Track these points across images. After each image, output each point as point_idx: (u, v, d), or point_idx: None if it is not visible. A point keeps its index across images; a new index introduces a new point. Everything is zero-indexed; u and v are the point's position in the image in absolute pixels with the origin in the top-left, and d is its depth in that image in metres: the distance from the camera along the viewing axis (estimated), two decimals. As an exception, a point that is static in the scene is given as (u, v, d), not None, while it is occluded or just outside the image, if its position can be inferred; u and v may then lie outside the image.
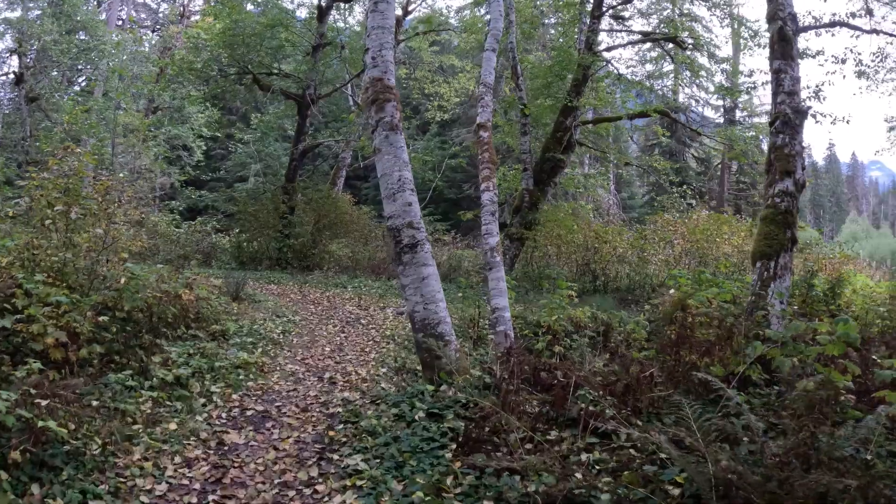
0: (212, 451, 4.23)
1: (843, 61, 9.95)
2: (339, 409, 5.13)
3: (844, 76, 10.72)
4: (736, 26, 16.19)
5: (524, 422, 4.43)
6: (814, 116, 9.39)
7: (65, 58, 21.62)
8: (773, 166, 7.58)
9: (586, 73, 15.12)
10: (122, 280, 5.85)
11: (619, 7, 16.54)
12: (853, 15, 9.48)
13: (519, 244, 14.71)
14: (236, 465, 4.05)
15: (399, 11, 20.88)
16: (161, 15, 31.19)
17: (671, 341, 6.05)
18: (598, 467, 3.82)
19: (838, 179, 71.92)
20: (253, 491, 3.72)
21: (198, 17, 26.51)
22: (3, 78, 25.42)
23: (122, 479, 3.65)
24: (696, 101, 31.17)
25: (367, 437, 4.37)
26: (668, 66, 24.56)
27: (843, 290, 10.80)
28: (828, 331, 4.23)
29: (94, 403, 4.34)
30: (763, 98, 29.15)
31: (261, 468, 4.02)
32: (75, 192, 6.28)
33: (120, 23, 27.14)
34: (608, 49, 17.13)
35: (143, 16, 31.48)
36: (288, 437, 4.53)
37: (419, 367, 6.26)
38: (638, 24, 17.25)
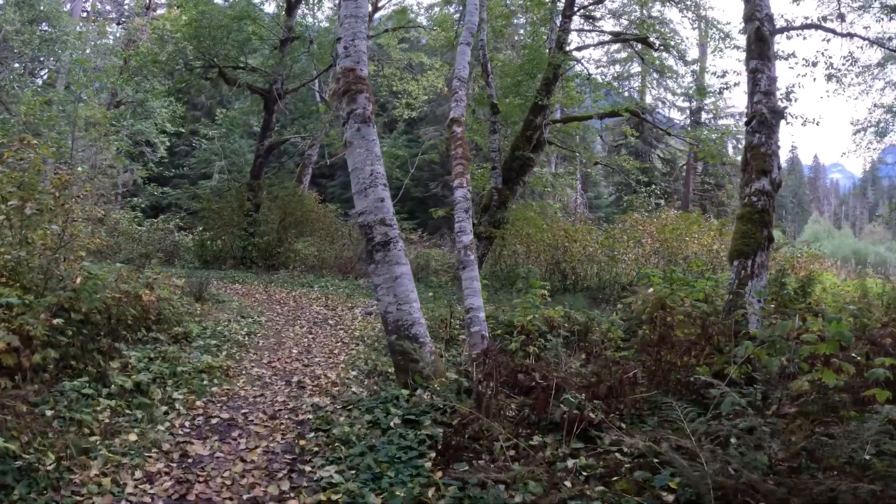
0: (175, 465, 3.93)
1: (815, 64, 10.02)
2: (310, 416, 4.86)
3: (815, 79, 10.83)
4: (706, 28, 16.29)
5: (505, 427, 4.24)
6: (784, 118, 9.44)
7: (27, 49, 20.80)
8: (749, 165, 7.54)
9: (557, 71, 15.10)
10: (79, 280, 5.52)
11: (591, 7, 16.53)
12: (825, 19, 9.55)
13: (487, 243, 14.58)
14: (201, 479, 3.76)
15: (368, 7, 20.56)
16: (126, 7, 30.30)
17: (652, 341, 5.92)
18: (585, 473, 3.65)
19: (801, 181, 73.74)
20: (220, 508, 3.45)
21: (163, 10, 25.82)
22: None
23: (78, 498, 3.36)
24: (663, 102, 31.60)
25: (341, 446, 4.11)
26: (635, 68, 24.81)
27: (813, 289, 10.90)
28: (818, 330, 4.14)
29: (49, 413, 4.05)
30: (729, 100, 29.67)
31: (228, 482, 3.73)
32: (31, 187, 5.99)
33: (85, 14, 26.30)
34: (579, 48, 17.15)
35: (108, 7, 30.57)
36: (256, 448, 4.24)
37: (391, 370, 6.03)
38: (608, 25, 17.27)
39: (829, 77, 11.15)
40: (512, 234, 15.18)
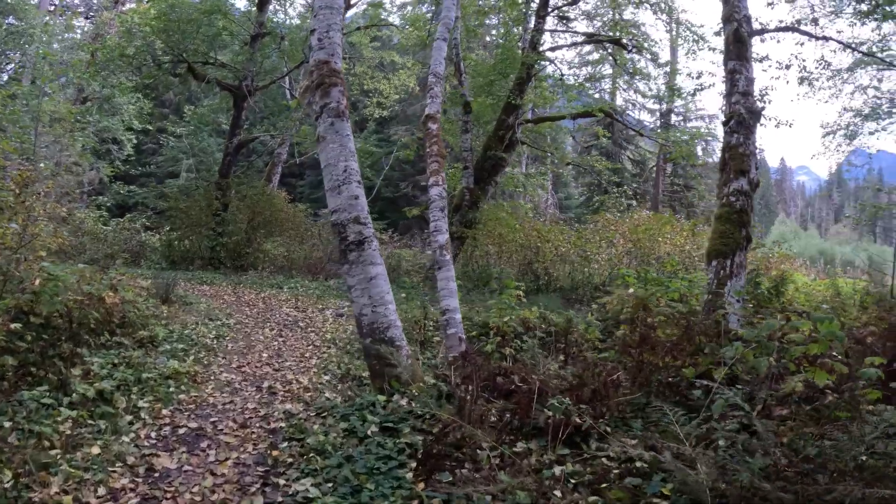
0: (140, 480, 3.66)
1: (788, 67, 10.10)
2: (282, 424, 4.62)
3: (788, 81, 10.93)
4: (680, 30, 16.40)
5: (488, 434, 4.08)
6: (761, 119, 9.52)
7: (-7, 42, 20.09)
8: (727, 165, 7.54)
9: (530, 71, 15.08)
10: (39, 281, 5.21)
11: (565, 8, 16.54)
12: (799, 22, 9.62)
13: (459, 243, 14.48)
14: (169, 495, 3.50)
15: (341, 3, 20.28)
16: (95, 0, 29.44)
17: (633, 342, 5.82)
18: (573, 481, 3.51)
19: (767, 183, 75.21)
20: (188, 526, 3.22)
21: (133, 4, 25.15)
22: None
23: (38, 518, 3.09)
24: (633, 104, 31.84)
25: (316, 456, 3.87)
26: (606, 70, 24.93)
27: (786, 289, 10.98)
28: (808, 330, 4.07)
29: (6, 426, 3.79)
30: (699, 102, 29.99)
31: (197, 498, 3.47)
32: (-10, 183, 5.63)
33: (53, 7, 25.52)
34: (552, 49, 17.17)
35: (76, 1, 29.65)
36: (226, 459, 3.99)
37: (365, 374, 5.83)
38: (582, 26, 17.31)
39: (802, 80, 11.24)
40: (484, 234, 15.09)
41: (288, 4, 19.61)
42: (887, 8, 8.17)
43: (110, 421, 4.36)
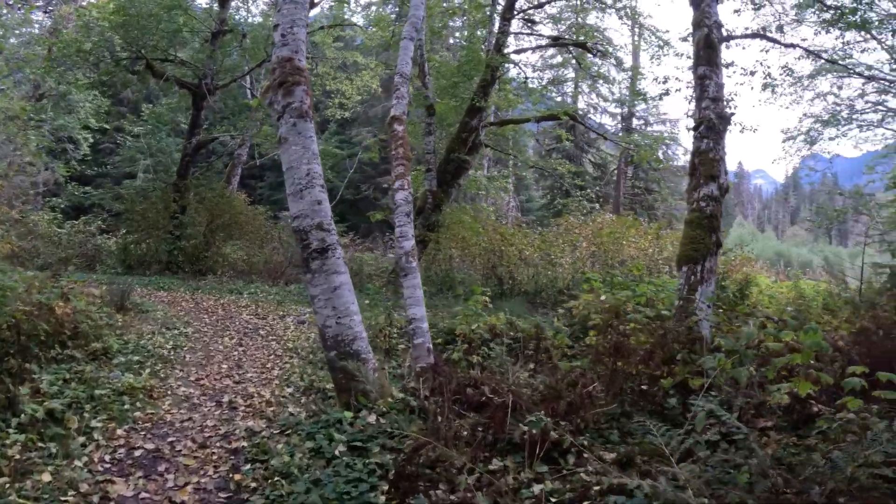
0: (95, 510, 3.39)
1: (753, 73, 10.20)
2: (244, 444, 4.35)
3: (752, 88, 11.05)
4: (644, 35, 16.54)
5: (461, 451, 3.91)
6: (731, 124, 9.58)
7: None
8: (697, 170, 7.50)
9: (494, 74, 15.03)
10: (-17, 291, 4.85)
11: (531, 11, 16.53)
12: (764, 29, 9.71)
13: (421, 246, 14.32)
14: (123, 527, 3.24)
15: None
16: (54, -6, 28.38)
17: (607, 350, 5.71)
18: (553, 499, 3.36)
19: (725, 186, 76.73)
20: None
21: (93, -1, 24.31)
22: None
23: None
24: (595, 108, 32.14)
25: (281, 480, 3.62)
26: (569, 73, 25.08)
27: (750, 292, 11.08)
28: (791, 339, 4.00)
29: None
30: (661, 107, 30.38)
31: (152, 530, 3.23)
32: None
33: (11, 2, 24.46)
34: (517, 52, 17.15)
35: (34, -6, 28.51)
36: (186, 485, 3.71)
37: (329, 386, 5.59)
38: (547, 29, 17.34)
39: (766, 86, 11.40)
40: (447, 237, 14.94)
41: (250, 1, 19.18)
42: (850, 18, 8.29)
43: (62, 444, 4.03)
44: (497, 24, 15.61)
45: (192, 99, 16.79)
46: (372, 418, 4.46)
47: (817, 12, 9.36)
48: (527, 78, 17.59)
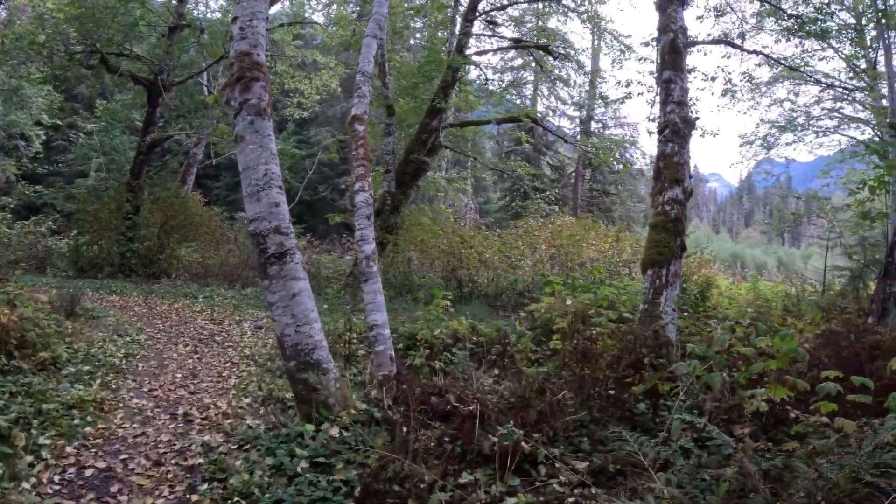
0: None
1: (714, 79, 10.34)
2: (201, 460, 4.10)
3: (713, 93, 11.24)
4: (607, 40, 16.68)
5: (430, 466, 3.78)
6: (696, 128, 9.70)
7: None
8: (662, 174, 7.54)
9: (455, 75, 14.98)
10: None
11: (493, 13, 16.54)
12: (726, 35, 9.84)
13: (379, 248, 14.14)
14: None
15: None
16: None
17: (574, 356, 5.64)
18: (528, 512, 3.26)
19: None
20: None
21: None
22: None
23: None
24: (553, 111, 32.42)
25: (241, 501, 3.42)
26: (529, 76, 25.20)
27: (710, 294, 11.22)
28: (765, 345, 3.99)
29: None
30: (621, 110, 30.77)
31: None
32: None
33: None
34: (479, 53, 17.12)
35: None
36: (139, 507, 3.50)
37: (289, 395, 5.37)
38: (509, 32, 17.36)
39: (725, 92, 11.57)
40: (405, 239, 14.80)
41: (211, -4, 18.69)
42: (810, 27, 8.46)
43: (8, 463, 3.72)
44: (459, 25, 15.58)
45: (148, 95, 16.25)
46: (335, 431, 4.28)
47: (777, 20, 9.53)
48: (487, 80, 17.61)
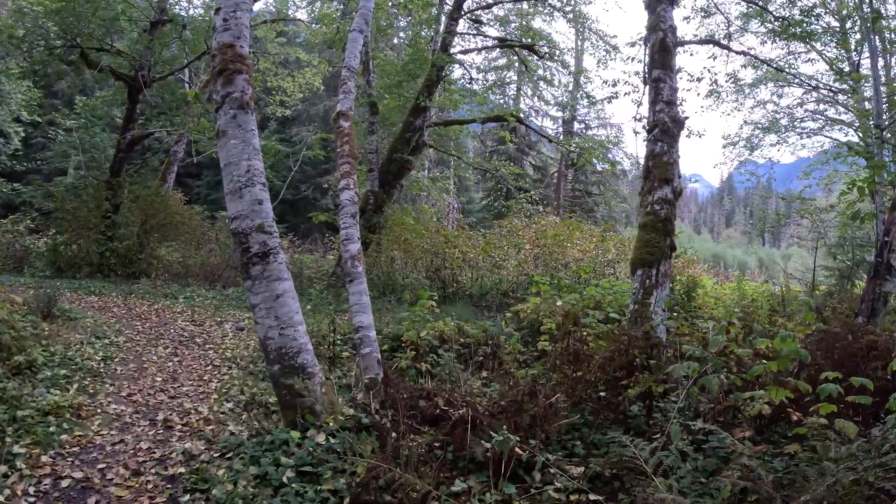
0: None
1: (700, 80, 10.34)
2: (182, 470, 3.93)
3: (699, 94, 11.29)
4: (592, 39, 16.67)
5: (421, 474, 3.65)
6: (685, 128, 9.68)
7: None
8: (651, 174, 7.47)
9: (440, 73, 14.94)
10: None
11: (479, 12, 16.47)
12: (713, 36, 9.83)
13: (363, 248, 13.99)
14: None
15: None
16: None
17: (566, 358, 5.55)
18: (524, 522, 3.15)
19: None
20: None
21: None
22: None
23: None
24: (536, 111, 32.47)
25: (224, 513, 3.31)
26: (512, 75, 25.21)
27: (696, 293, 11.21)
28: (765, 348, 3.92)
29: None
30: (605, 110, 30.88)
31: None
32: None
33: None
34: (463, 52, 17.07)
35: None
36: (116, 520, 3.34)
37: (273, 399, 5.21)
38: (493, 31, 17.31)
39: (711, 92, 11.58)
40: (389, 239, 14.66)
41: (194, -8, 18.40)
42: (795, 30, 8.47)
43: None
44: (444, 24, 15.52)
45: (128, 92, 15.95)
46: (321, 438, 4.14)
47: (763, 23, 9.55)
48: (472, 79, 17.55)
